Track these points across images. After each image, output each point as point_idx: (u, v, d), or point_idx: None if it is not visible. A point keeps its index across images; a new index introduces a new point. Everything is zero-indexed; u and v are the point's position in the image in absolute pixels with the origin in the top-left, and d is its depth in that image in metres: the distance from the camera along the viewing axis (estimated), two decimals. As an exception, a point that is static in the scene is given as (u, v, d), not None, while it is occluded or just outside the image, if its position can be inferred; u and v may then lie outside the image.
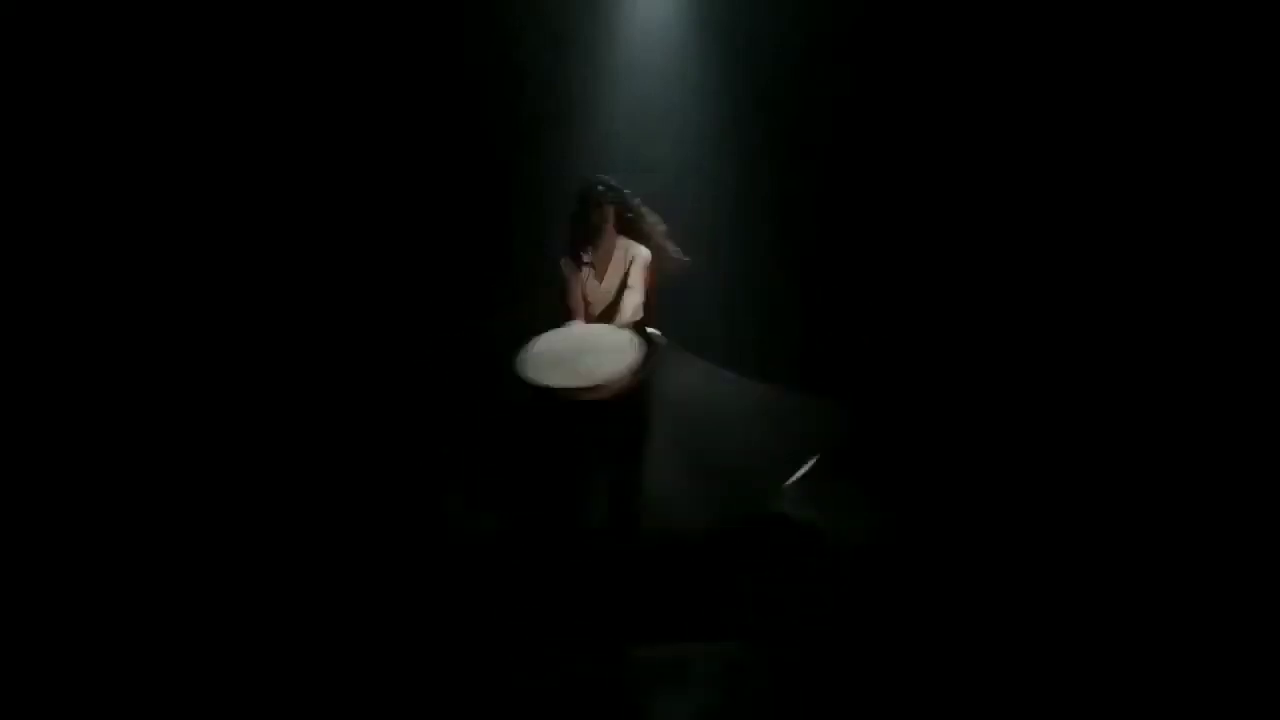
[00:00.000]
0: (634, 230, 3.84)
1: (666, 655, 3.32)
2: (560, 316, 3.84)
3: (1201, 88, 4.44)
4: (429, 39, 4.83)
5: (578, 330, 3.77)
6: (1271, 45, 4.30)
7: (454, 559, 3.80)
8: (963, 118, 4.73)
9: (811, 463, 3.86)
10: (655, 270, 3.83)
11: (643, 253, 3.82)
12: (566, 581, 3.60)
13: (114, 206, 4.56)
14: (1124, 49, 4.52)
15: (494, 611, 3.52)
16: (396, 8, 4.80)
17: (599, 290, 3.81)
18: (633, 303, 3.78)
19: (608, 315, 3.80)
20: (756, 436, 3.84)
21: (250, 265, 4.70)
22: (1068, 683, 3.03)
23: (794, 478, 3.85)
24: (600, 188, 3.81)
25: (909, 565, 3.80)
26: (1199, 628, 3.28)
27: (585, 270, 3.80)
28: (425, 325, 4.80)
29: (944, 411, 4.61)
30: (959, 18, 4.69)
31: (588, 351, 3.63)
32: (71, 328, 4.44)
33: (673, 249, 3.87)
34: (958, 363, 4.66)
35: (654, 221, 3.85)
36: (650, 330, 3.78)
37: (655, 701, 3.15)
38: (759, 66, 4.87)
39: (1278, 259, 4.31)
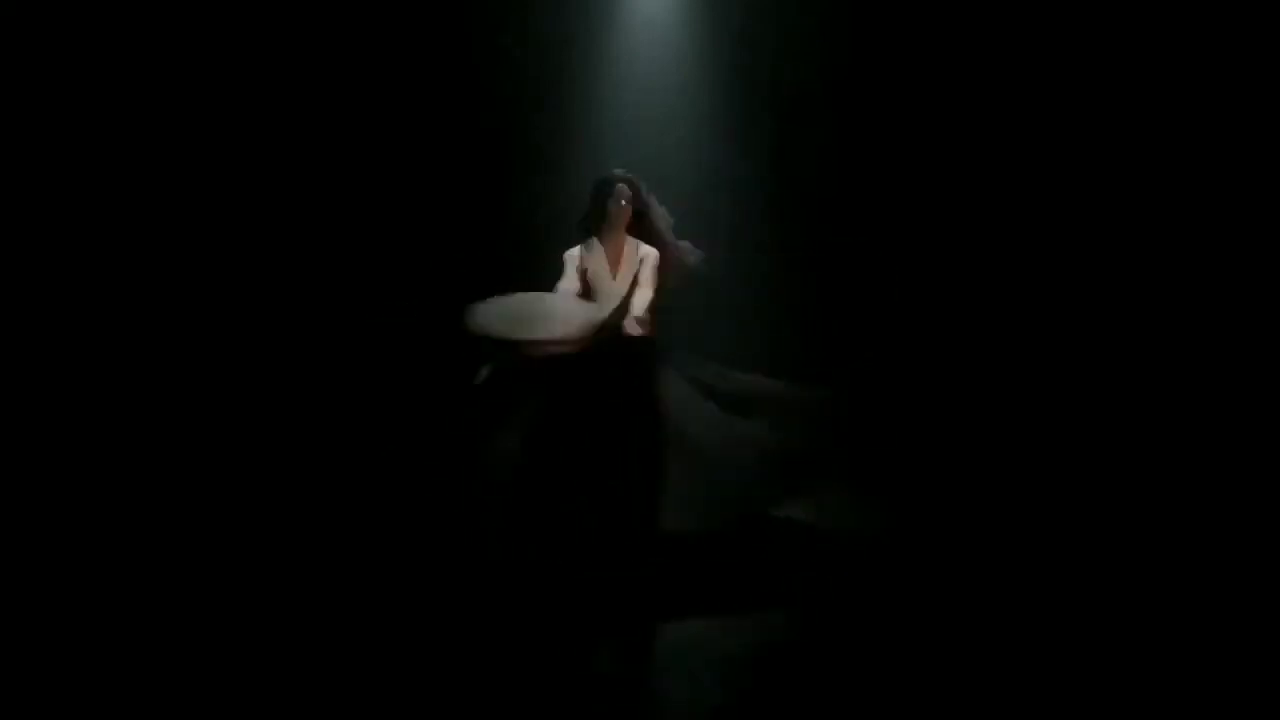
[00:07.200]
0: (645, 228, 3.88)
1: (666, 652, 3.31)
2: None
3: (1199, 87, 4.48)
4: (428, 39, 4.83)
5: (546, 297, 3.76)
6: (1272, 45, 4.35)
7: (457, 558, 3.77)
8: (965, 114, 4.76)
9: None
10: (664, 271, 3.87)
11: (653, 253, 3.87)
12: (563, 581, 3.58)
13: (108, 196, 4.54)
14: (1124, 47, 4.55)
15: (494, 610, 3.50)
16: (396, 7, 4.80)
17: (611, 289, 3.82)
18: (642, 300, 3.79)
19: (618, 313, 3.77)
20: (759, 434, 3.82)
21: (247, 265, 4.70)
22: (1067, 680, 3.04)
23: None
24: (619, 181, 3.85)
25: (906, 564, 3.80)
26: (1198, 623, 3.29)
27: (595, 266, 3.83)
28: (423, 323, 4.77)
29: (942, 409, 4.62)
30: (960, 16, 4.71)
31: (540, 317, 3.61)
32: (70, 325, 4.41)
33: (683, 245, 3.91)
34: (958, 360, 4.68)
35: (663, 214, 3.91)
36: (642, 334, 3.77)
37: (655, 699, 3.13)
38: (760, 64, 4.89)
39: (1277, 259, 4.34)
